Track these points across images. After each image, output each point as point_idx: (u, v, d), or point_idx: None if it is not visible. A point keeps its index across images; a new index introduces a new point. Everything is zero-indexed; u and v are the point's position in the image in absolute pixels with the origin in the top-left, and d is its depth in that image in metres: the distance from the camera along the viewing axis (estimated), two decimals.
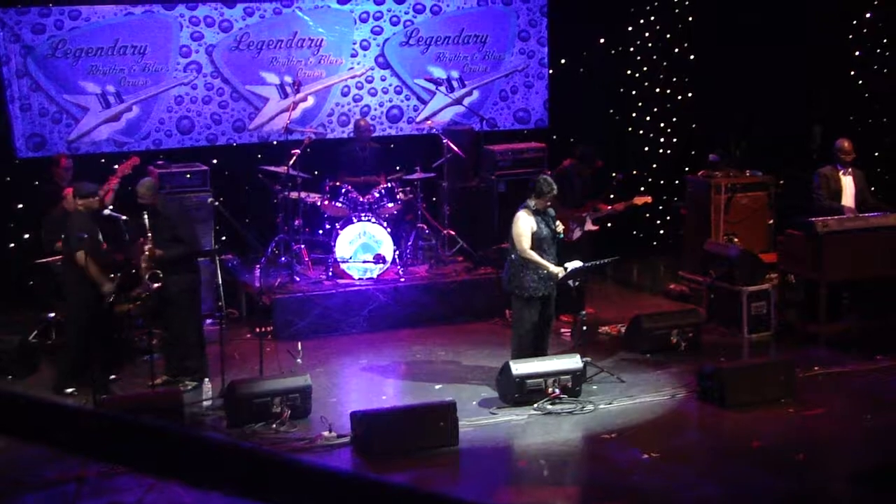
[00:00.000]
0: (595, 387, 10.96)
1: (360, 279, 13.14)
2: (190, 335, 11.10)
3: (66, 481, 8.81)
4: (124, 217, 11.33)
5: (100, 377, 10.69)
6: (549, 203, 10.75)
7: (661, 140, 16.58)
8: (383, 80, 15.16)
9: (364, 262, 13.14)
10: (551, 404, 10.39)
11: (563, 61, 15.95)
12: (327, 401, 10.65)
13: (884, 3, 16.18)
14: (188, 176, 13.10)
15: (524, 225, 10.65)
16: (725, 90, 16.03)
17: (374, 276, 13.16)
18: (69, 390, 10.80)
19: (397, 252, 13.30)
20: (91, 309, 10.76)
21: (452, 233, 14.00)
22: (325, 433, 9.74)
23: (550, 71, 15.84)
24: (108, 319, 10.92)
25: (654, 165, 16.54)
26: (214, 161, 14.08)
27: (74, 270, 10.73)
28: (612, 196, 14.12)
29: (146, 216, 10.75)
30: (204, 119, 14.44)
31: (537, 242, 10.64)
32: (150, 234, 10.73)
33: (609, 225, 14.75)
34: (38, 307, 12.01)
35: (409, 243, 13.83)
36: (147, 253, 10.75)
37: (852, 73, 16.40)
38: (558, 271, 10.62)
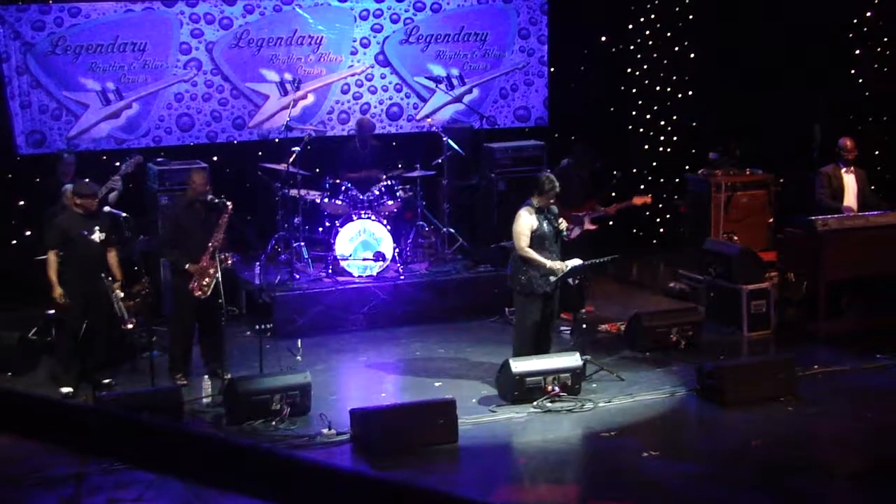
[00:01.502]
0: (595, 385, 10.95)
1: (359, 277, 13.14)
2: None
3: (66, 478, 8.81)
4: (124, 214, 11.33)
5: (93, 377, 10.69)
6: (551, 200, 10.74)
7: (662, 138, 16.58)
8: (383, 77, 15.15)
9: (364, 259, 13.14)
10: (551, 402, 10.40)
11: (563, 59, 15.94)
12: (327, 398, 10.65)
13: (884, 1, 16.17)
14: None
15: (524, 223, 10.65)
16: (725, 89, 16.03)
17: (374, 273, 13.16)
18: (65, 390, 10.77)
19: (397, 250, 13.30)
20: (81, 308, 10.74)
21: (452, 231, 14.00)
22: (325, 430, 9.75)
23: (551, 69, 15.83)
24: (103, 319, 10.89)
25: (654, 164, 16.54)
26: (214, 158, 14.08)
27: (64, 269, 10.72)
28: (612, 194, 14.12)
29: (199, 206, 10.91)
30: (204, 116, 14.43)
31: (539, 241, 10.63)
32: (217, 228, 10.86)
33: (610, 223, 14.75)
34: (38, 304, 11.99)
35: (409, 241, 13.83)
36: (218, 244, 10.83)
37: (853, 71, 16.40)
38: (558, 266, 10.62)
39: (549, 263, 10.59)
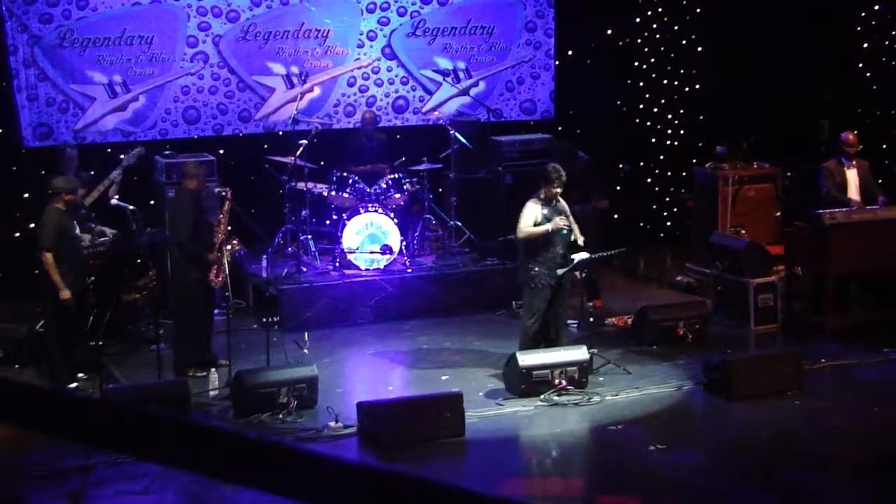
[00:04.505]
0: (602, 378, 10.96)
1: (366, 270, 13.14)
2: None
3: (73, 471, 8.83)
4: (131, 207, 11.34)
5: (65, 374, 10.70)
6: (558, 191, 10.71)
7: (668, 132, 16.55)
8: (389, 70, 15.13)
9: (371, 252, 13.13)
10: (558, 395, 10.39)
11: (569, 52, 15.92)
12: (334, 391, 10.66)
13: None
14: None
15: (528, 213, 10.66)
16: (733, 82, 16.00)
17: (381, 266, 13.16)
18: (72, 385, 10.75)
19: (404, 243, 13.30)
20: (76, 305, 10.65)
21: (459, 224, 13.99)
22: (332, 423, 9.75)
23: (557, 62, 15.81)
24: (88, 315, 10.89)
25: (661, 157, 16.52)
26: (221, 151, 14.07)
27: (61, 267, 10.56)
28: (618, 188, 14.11)
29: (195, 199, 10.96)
30: (210, 109, 14.42)
31: (546, 235, 10.61)
32: (222, 217, 10.96)
33: (616, 216, 14.74)
34: (45, 298, 11.99)
35: (416, 234, 13.82)
36: (225, 233, 10.91)
37: (860, 65, 16.36)
38: (562, 223, 10.54)
39: (549, 226, 10.55)
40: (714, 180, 14.58)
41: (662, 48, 16.30)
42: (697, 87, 16.45)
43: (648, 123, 16.45)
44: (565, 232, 10.69)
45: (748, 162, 14.87)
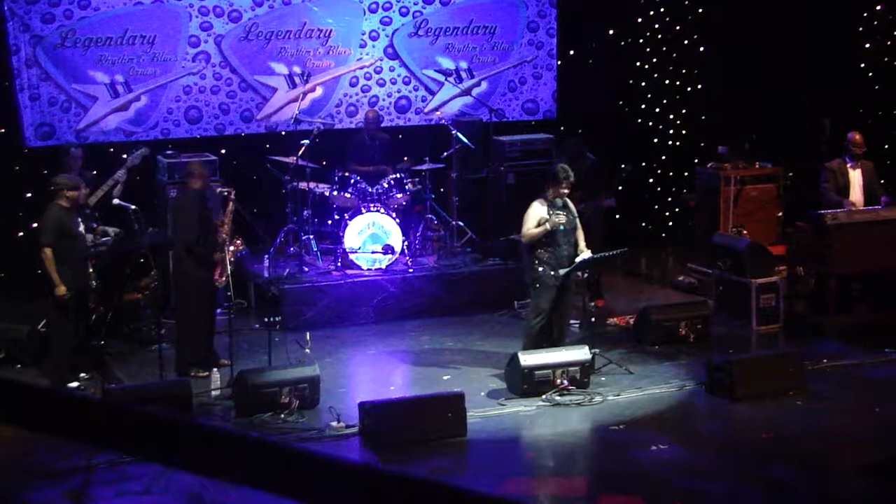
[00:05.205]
0: (603, 378, 10.96)
1: (368, 270, 13.14)
2: None
3: (75, 471, 8.83)
4: (133, 206, 11.34)
5: (67, 374, 10.71)
6: (565, 191, 10.70)
7: (670, 132, 16.55)
8: (392, 70, 15.14)
9: (373, 252, 13.14)
10: (560, 396, 10.39)
11: (571, 52, 15.92)
12: (336, 391, 10.66)
13: None
14: None
15: (532, 213, 10.66)
16: (734, 82, 16.00)
17: (383, 266, 13.16)
18: (73, 384, 10.76)
19: (406, 243, 13.30)
20: (75, 302, 10.66)
21: (461, 223, 14.00)
22: (334, 423, 9.76)
23: (559, 62, 15.81)
24: (87, 313, 10.92)
25: (663, 157, 16.52)
26: (222, 151, 14.08)
27: (60, 265, 10.58)
28: (619, 188, 14.12)
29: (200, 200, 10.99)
30: (212, 109, 14.43)
31: (550, 235, 10.61)
32: (226, 217, 10.97)
33: (618, 216, 14.74)
34: (46, 296, 12.00)
35: (418, 234, 13.83)
36: (228, 233, 10.94)
37: (862, 65, 16.36)
38: (559, 219, 10.55)
39: (547, 224, 10.54)
40: (716, 180, 14.58)
41: (664, 48, 16.30)
42: (699, 87, 16.44)
43: (650, 123, 16.45)
44: (563, 228, 10.65)
45: (750, 162, 14.86)
